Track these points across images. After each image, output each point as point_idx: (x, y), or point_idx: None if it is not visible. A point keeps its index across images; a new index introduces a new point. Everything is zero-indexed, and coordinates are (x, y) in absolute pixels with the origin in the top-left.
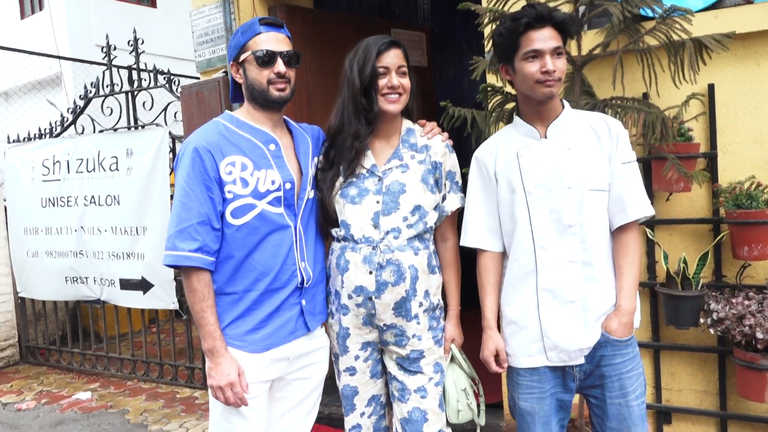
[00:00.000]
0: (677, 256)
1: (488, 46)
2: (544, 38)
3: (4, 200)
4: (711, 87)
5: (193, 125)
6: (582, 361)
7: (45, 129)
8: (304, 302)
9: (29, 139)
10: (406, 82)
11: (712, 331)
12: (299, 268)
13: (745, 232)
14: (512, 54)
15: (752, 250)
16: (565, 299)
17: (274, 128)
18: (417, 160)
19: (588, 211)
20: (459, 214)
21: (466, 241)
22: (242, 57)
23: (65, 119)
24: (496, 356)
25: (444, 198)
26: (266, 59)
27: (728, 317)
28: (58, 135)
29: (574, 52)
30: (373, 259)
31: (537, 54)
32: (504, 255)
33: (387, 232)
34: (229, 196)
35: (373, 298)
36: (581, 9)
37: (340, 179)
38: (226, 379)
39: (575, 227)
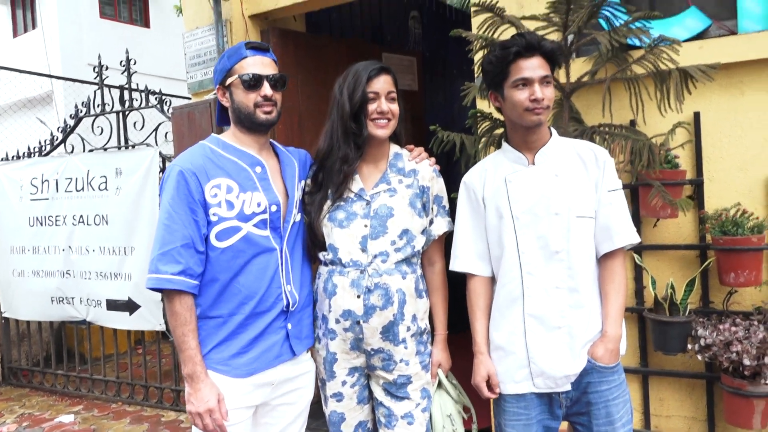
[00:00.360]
0: (665, 282)
1: (478, 71)
2: (533, 67)
3: None
4: (697, 115)
5: (184, 146)
6: (568, 387)
7: (34, 147)
8: (290, 326)
9: (18, 157)
10: (395, 107)
11: (699, 357)
12: (285, 292)
13: (731, 258)
14: (501, 81)
15: (738, 276)
16: (552, 325)
17: (261, 151)
18: (405, 184)
19: (575, 237)
20: (447, 238)
21: (456, 265)
22: (228, 81)
23: (55, 138)
24: (488, 381)
25: (431, 222)
26: (252, 83)
27: (715, 343)
28: (47, 154)
29: (563, 79)
30: (360, 282)
31: (526, 82)
32: (493, 280)
33: (375, 256)
34: (213, 218)
35: (361, 322)
36: (570, 37)
37: (328, 203)
38: (205, 406)
39: (562, 253)
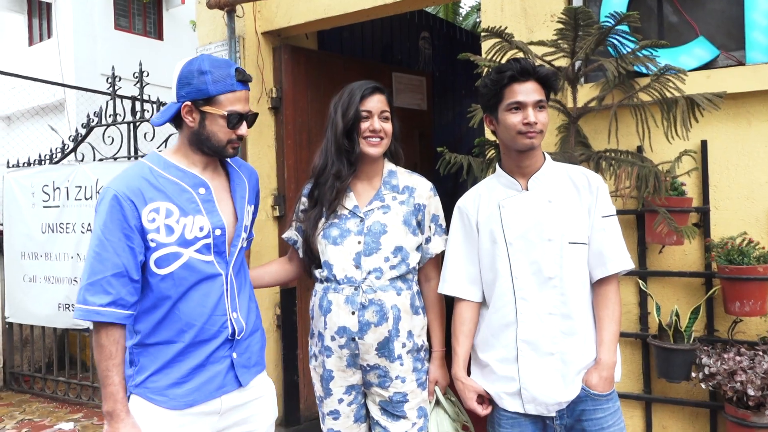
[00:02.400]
0: (670, 309)
1: None
2: (527, 91)
3: (0, 225)
4: (704, 143)
5: None
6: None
7: (45, 155)
8: (235, 355)
9: (29, 164)
10: (387, 126)
11: (703, 385)
12: (230, 319)
13: (737, 287)
14: (496, 104)
15: (744, 305)
16: (545, 351)
17: (204, 170)
18: (398, 201)
19: (568, 263)
20: (444, 255)
21: (444, 288)
22: (208, 108)
23: (66, 146)
24: (479, 400)
25: (428, 240)
26: (237, 122)
27: (720, 372)
28: (57, 161)
29: (570, 104)
30: (355, 299)
31: (520, 106)
32: (482, 304)
33: (369, 273)
34: (152, 245)
35: (356, 338)
36: (577, 63)
37: (323, 220)
38: None
39: (555, 280)
